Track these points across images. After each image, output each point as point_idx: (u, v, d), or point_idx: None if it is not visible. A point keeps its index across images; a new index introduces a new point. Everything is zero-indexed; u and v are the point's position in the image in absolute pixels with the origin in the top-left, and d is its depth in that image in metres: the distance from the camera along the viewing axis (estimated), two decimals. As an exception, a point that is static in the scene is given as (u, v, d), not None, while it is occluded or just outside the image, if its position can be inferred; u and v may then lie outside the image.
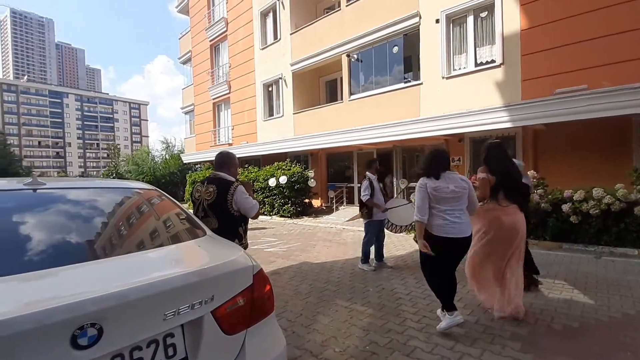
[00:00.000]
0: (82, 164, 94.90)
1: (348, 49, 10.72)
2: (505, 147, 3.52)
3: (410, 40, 9.39)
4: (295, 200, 11.77)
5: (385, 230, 5.32)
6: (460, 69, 8.43)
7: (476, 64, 8.13)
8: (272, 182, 11.71)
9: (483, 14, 7.98)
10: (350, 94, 10.92)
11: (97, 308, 1.09)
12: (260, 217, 10.60)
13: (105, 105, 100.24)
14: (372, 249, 5.22)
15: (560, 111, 6.66)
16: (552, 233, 6.13)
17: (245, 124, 14.94)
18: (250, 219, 2.91)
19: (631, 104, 5.94)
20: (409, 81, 9.59)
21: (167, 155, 25.34)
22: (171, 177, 22.54)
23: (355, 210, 10.04)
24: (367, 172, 5.18)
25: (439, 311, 3.14)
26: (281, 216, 11.85)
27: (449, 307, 2.90)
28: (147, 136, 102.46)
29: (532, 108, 6.98)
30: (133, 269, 1.45)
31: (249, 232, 2.98)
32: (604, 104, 6.19)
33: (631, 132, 6.98)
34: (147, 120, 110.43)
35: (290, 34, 12.59)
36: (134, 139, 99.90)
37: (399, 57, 9.75)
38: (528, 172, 5.52)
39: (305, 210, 12.07)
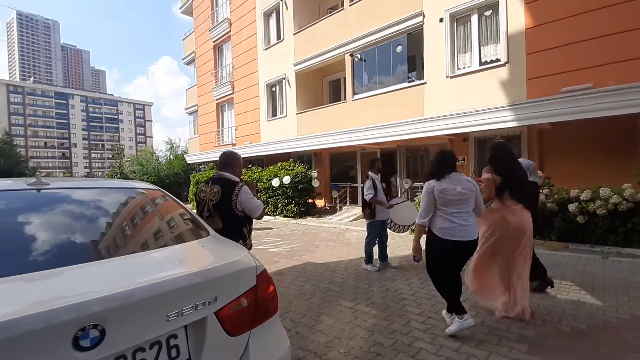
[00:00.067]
0: (87, 165, 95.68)
1: (351, 49, 10.69)
2: (510, 147, 3.49)
3: (414, 39, 9.34)
4: (299, 201, 11.76)
5: (388, 230, 5.31)
6: (464, 68, 8.38)
7: (480, 63, 8.08)
8: (275, 182, 11.71)
9: (487, 13, 7.92)
10: (354, 93, 10.89)
11: (102, 308, 1.08)
12: (264, 217, 10.62)
13: (110, 106, 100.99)
14: (376, 249, 5.20)
15: (566, 110, 6.60)
16: (558, 233, 6.08)
17: (249, 124, 14.97)
18: (254, 219, 2.90)
19: (637, 103, 5.88)
20: (413, 81, 9.54)
21: (171, 156, 25.50)
22: (175, 177, 22.65)
23: (358, 210, 10.01)
24: (369, 172, 5.17)
25: (444, 312, 3.11)
26: (285, 216, 11.85)
27: (458, 310, 2.85)
28: (152, 137, 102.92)
29: (538, 107, 6.91)
30: (137, 269, 1.45)
31: (252, 232, 2.97)
32: (610, 102, 6.13)
33: (638, 131, 6.89)
34: (151, 120, 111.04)
35: (294, 34, 12.59)
36: (138, 140, 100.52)
37: (402, 57, 9.71)
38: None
39: (308, 211, 12.06)
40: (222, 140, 16.80)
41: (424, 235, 2.99)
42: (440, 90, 8.60)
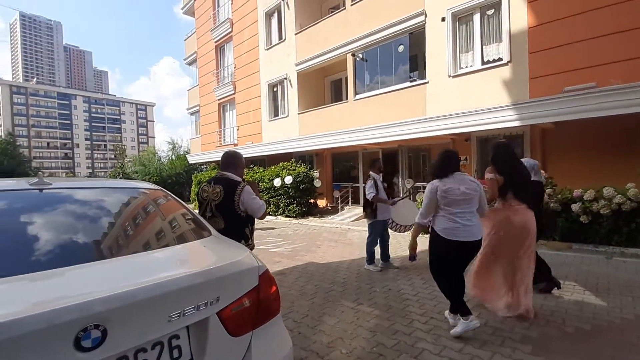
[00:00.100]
0: (89, 165, 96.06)
1: (353, 49, 10.68)
2: (512, 147, 3.48)
3: (416, 39, 9.32)
4: (301, 201, 11.76)
5: (390, 230, 5.30)
6: (466, 67, 8.35)
7: (483, 62, 8.05)
8: (277, 182, 11.71)
9: (490, 12, 7.89)
10: (356, 93, 10.88)
11: (104, 308, 1.07)
12: (266, 217, 10.61)
13: (112, 106, 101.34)
14: (378, 249, 5.19)
15: (569, 109, 6.57)
16: (561, 233, 6.04)
17: (251, 124, 14.97)
18: (256, 219, 2.89)
19: (642, 102, 5.84)
20: (415, 80, 9.52)
21: (173, 156, 25.57)
22: (177, 177, 22.71)
23: (360, 210, 9.98)
24: (370, 172, 5.17)
25: (446, 313, 3.10)
26: (286, 216, 11.85)
27: (463, 311, 2.82)
28: (154, 137, 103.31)
29: (541, 106, 6.88)
30: (139, 269, 1.44)
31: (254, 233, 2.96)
32: (614, 101, 6.10)
33: (642, 130, 6.87)
34: (153, 121, 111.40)
35: (295, 34, 12.59)
36: (140, 140, 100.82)
37: (404, 56, 9.69)
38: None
39: (310, 211, 12.05)
40: (224, 140, 16.81)
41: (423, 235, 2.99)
42: (442, 89, 8.58)
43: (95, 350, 1.05)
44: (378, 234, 5.14)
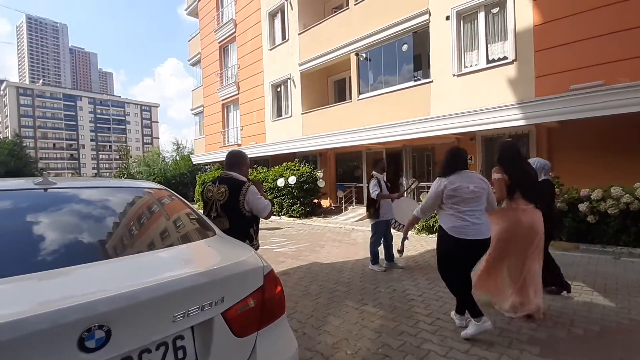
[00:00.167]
0: (95, 165, 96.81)
1: (356, 48, 10.65)
2: (519, 146, 3.44)
3: (420, 38, 9.27)
4: (304, 201, 11.75)
5: (393, 230, 5.26)
6: (471, 66, 8.29)
7: (488, 61, 7.99)
8: (280, 182, 11.71)
9: (495, 10, 7.83)
10: (359, 93, 10.85)
11: (108, 308, 1.06)
12: (270, 217, 10.62)
13: (117, 107, 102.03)
14: (382, 249, 5.16)
15: (576, 108, 6.49)
16: (568, 233, 5.98)
17: (254, 124, 14.99)
18: (261, 220, 2.88)
19: (650, 100, 5.76)
20: (419, 79, 9.47)
21: (177, 157, 25.64)
22: (181, 177, 22.79)
23: (364, 210, 9.94)
24: (373, 172, 5.16)
25: (452, 313, 3.07)
26: (290, 216, 11.84)
27: (474, 312, 2.75)
28: (158, 138, 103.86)
29: (546, 105, 6.81)
30: (143, 269, 1.43)
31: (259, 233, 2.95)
32: (621, 100, 6.02)
33: (650, 129, 6.77)
34: (157, 122, 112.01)
35: (299, 34, 12.58)
36: (145, 141, 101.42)
37: (408, 56, 9.64)
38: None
39: (314, 211, 12.04)
40: (228, 140, 16.85)
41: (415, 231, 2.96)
42: (447, 89, 8.52)
43: (99, 351, 1.04)
44: (381, 234, 5.11)
